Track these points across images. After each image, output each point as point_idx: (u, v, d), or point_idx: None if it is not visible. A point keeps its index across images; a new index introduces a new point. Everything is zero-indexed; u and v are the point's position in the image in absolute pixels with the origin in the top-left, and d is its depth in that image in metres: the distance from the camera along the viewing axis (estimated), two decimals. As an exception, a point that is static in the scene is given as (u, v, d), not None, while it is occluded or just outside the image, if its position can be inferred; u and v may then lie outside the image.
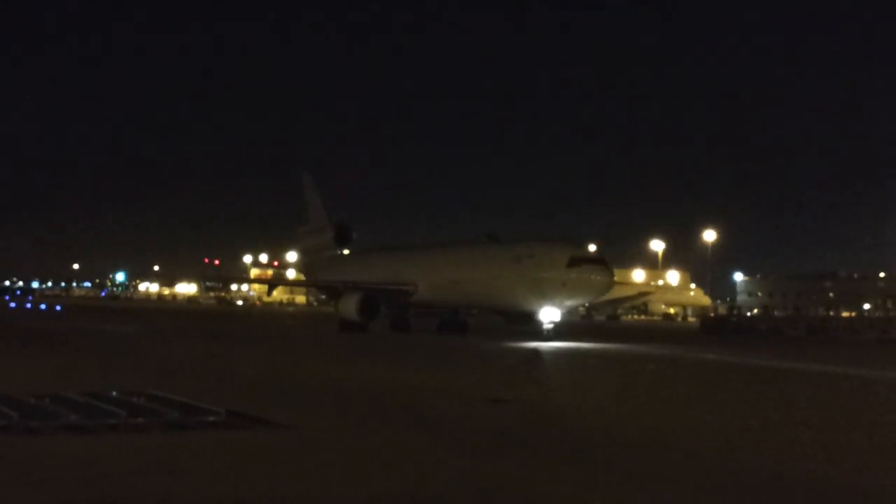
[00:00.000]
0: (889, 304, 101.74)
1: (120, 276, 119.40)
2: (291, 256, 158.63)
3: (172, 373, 27.96)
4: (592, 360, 38.64)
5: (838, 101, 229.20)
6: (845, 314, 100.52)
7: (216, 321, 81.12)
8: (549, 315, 50.20)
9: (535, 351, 41.59)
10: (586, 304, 74.25)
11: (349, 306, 56.81)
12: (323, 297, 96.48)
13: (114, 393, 19.61)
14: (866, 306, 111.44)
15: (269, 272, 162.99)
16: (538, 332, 50.33)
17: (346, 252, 73.66)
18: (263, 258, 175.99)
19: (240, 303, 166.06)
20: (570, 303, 51.86)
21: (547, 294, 49.70)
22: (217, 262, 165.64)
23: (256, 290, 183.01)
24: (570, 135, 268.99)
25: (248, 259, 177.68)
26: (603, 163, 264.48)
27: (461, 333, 58.46)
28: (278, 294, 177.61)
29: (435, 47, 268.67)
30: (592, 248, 60.73)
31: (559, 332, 50.68)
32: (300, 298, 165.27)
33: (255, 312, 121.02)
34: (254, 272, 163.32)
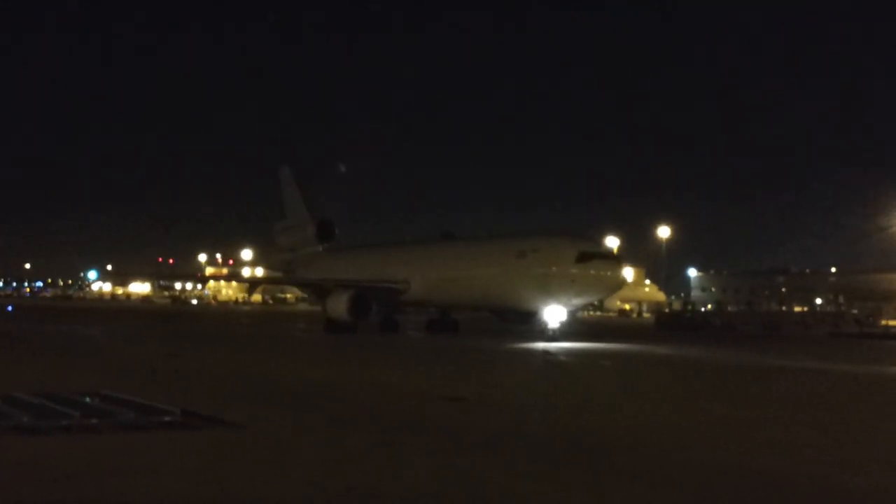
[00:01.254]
0: (840, 300, 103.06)
1: (92, 275, 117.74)
2: (246, 254, 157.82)
3: (127, 373, 27.69)
4: (631, 363, 35.96)
5: (791, 99, 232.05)
6: (797, 309, 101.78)
7: (172, 320, 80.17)
8: (554, 314, 47.41)
9: (550, 353, 39.16)
10: (595, 303, 71.66)
11: (338, 305, 53.88)
12: (305, 296, 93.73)
13: (67, 394, 19.39)
14: (818, 301, 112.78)
15: (224, 270, 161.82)
16: (541, 332, 47.97)
17: (326, 248, 70.99)
18: (218, 257, 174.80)
19: (194, 302, 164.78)
20: (578, 301, 48.83)
21: (554, 292, 46.84)
22: (171, 261, 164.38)
23: (211, 288, 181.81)
24: (523, 132, 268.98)
25: (202, 258, 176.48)
26: (558, 159, 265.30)
27: (452, 333, 56.60)
28: (234, 293, 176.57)
29: (433, 47, 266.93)
30: (612, 242, 59.53)
31: (564, 332, 47.77)
32: (256, 297, 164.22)
33: (211, 311, 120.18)
34: (208, 271, 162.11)
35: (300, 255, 71.69)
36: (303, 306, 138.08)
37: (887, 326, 71.20)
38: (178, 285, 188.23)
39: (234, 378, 27.03)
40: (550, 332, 46.88)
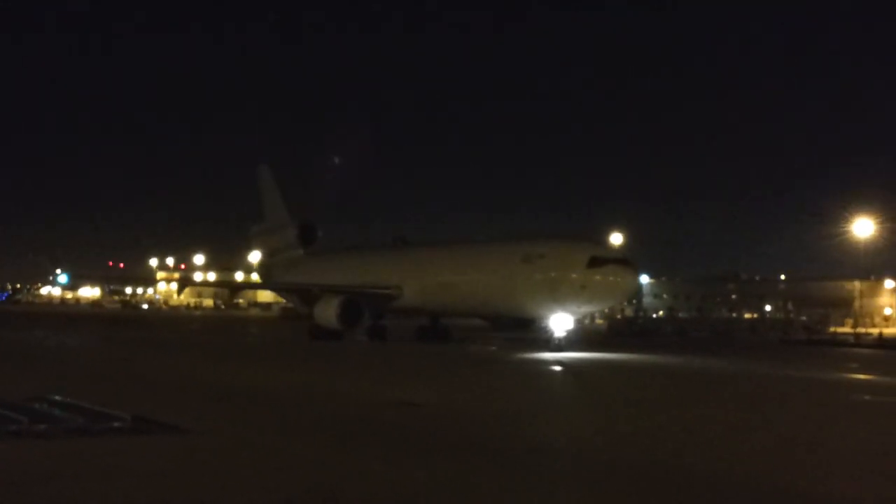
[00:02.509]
0: (789, 306, 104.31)
1: (63, 279, 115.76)
2: (199, 259, 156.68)
3: (78, 378, 27.47)
4: (663, 376, 33.18)
5: (742, 107, 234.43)
6: (747, 315, 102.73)
7: (123, 325, 79.02)
8: (560, 322, 44.15)
9: (567, 365, 36.00)
10: (605, 310, 67.91)
11: (327, 312, 50.78)
12: (288, 303, 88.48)
13: (15, 399, 19.20)
14: (768, 308, 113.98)
15: (176, 275, 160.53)
16: (546, 341, 44.60)
17: (308, 252, 67.14)
18: (170, 261, 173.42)
19: (145, 306, 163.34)
20: (588, 308, 46.51)
21: (562, 298, 43.78)
22: (122, 265, 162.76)
23: (162, 293, 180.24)
24: (477, 138, 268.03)
25: (153, 262, 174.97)
26: (512, 165, 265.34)
27: (443, 341, 53.86)
28: (185, 297, 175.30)
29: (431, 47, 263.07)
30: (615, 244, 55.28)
31: (571, 341, 44.44)
32: (207, 301, 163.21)
33: (162, 316, 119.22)
34: (160, 275, 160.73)
35: (280, 258, 68.72)
36: (255, 312, 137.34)
37: (835, 333, 72.15)
38: (128, 290, 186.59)
39: (190, 384, 26.92)
40: (556, 342, 43.75)
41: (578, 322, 51.32)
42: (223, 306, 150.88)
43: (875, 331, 74.22)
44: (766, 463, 14.94)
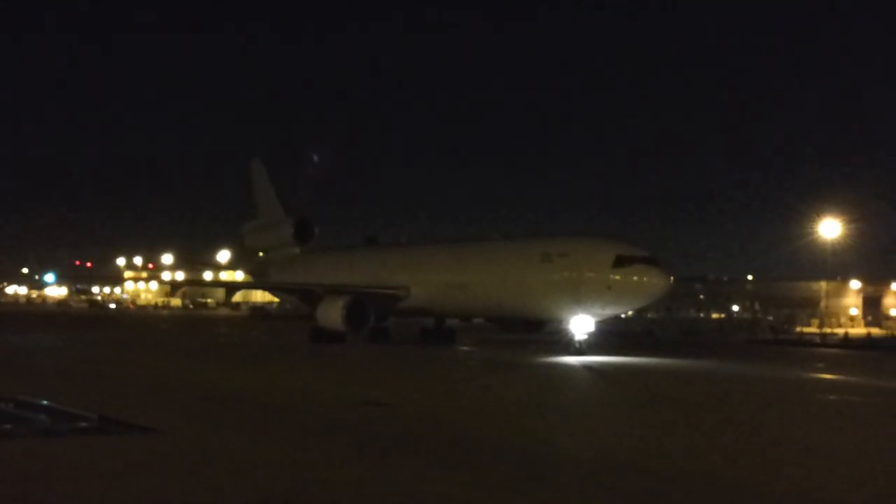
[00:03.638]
0: (756, 307, 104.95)
1: (49, 278, 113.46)
2: (167, 259, 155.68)
3: (45, 378, 27.30)
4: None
5: (709, 109, 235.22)
6: (715, 316, 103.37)
7: (91, 325, 78.25)
8: (581, 324, 41.86)
9: (599, 371, 34.40)
10: (629, 312, 63.58)
11: (331, 313, 48.05)
12: (285, 303, 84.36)
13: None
14: (735, 308, 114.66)
15: (144, 274, 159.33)
16: (562, 344, 42.49)
17: (304, 250, 64.11)
18: (138, 260, 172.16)
19: (112, 306, 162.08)
20: (613, 310, 43.40)
21: (585, 300, 41.35)
22: (89, 264, 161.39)
23: (129, 292, 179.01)
24: (427, 142, 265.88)
25: (121, 261, 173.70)
26: (479, 166, 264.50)
27: (448, 344, 51.61)
28: (153, 297, 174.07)
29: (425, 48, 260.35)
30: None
31: (592, 344, 42.26)
32: (175, 301, 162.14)
33: (131, 316, 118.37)
34: (127, 274, 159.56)
35: (275, 256, 65.87)
36: (224, 311, 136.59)
37: (801, 333, 72.70)
38: (95, 289, 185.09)
39: (152, 384, 26.77)
40: (577, 345, 41.52)
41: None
42: (191, 306, 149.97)
43: (841, 331, 74.90)
44: (727, 462, 15.09)
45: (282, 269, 63.46)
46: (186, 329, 75.37)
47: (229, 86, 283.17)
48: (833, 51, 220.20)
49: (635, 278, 40.86)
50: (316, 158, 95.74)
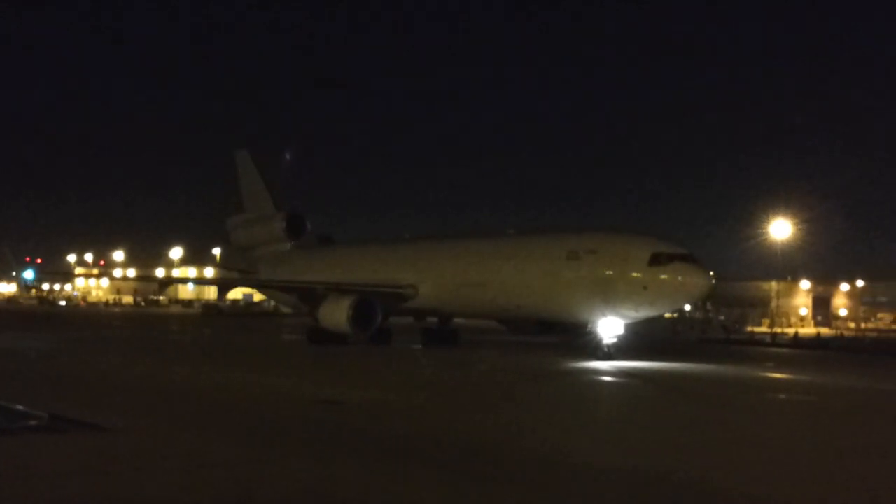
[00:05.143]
0: (708, 306, 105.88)
1: (28, 275, 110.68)
2: (118, 256, 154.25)
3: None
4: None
5: (659, 107, 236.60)
6: (667, 315, 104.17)
7: (41, 322, 77.33)
8: (610, 327, 39.25)
9: (643, 379, 31.45)
10: (667, 314, 59.76)
11: (336, 313, 44.71)
12: (272, 301, 78.50)
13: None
14: (687, 308, 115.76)
15: (96, 271, 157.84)
16: (588, 348, 40.04)
17: (295, 246, 61.05)
18: (88, 257, 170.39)
19: (62, 303, 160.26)
20: (647, 312, 40.07)
21: (617, 301, 38.55)
22: (39, 260, 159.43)
23: (80, 289, 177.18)
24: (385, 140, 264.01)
25: (71, 258, 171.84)
26: (437, 164, 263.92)
27: (453, 346, 48.67)
28: (104, 294, 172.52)
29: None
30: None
31: (621, 347, 39.82)
32: (127, 299, 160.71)
33: (82, 313, 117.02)
34: (78, 271, 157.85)
35: (265, 253, 62.18)
36: (177, 309, 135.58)
37: (752, 332, 73.47)
38: (45, 286, 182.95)
39: (107, 382, 26.53)
40: (605, 349, 38.95)
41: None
42: (143, 303, 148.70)
43: (791, 330, 75.85)
44: (676, 459, 15.23)
45: (273, 266, 60.48)
46: (141, 327, 74.36)
47: (197, 76, 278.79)
48: (781, 49, 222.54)
49: (674, 277, 37.94)
50: (289, 156, 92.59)
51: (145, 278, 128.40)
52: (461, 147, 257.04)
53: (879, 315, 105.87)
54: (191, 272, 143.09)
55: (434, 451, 15.40)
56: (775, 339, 63.27)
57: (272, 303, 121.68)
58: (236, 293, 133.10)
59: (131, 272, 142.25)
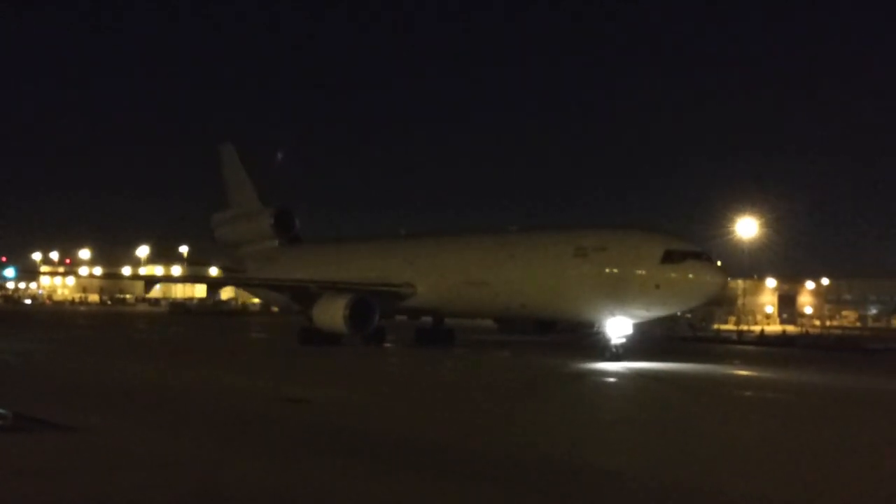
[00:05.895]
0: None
1: (9, 273, 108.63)
2: (84, 254, 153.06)
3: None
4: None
5: (628, 104, 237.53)
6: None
7: (7, 321, 76.44)
8: (618, 327, 38.05)
9: (665, 381, 30.35)
10: (679, 314, 57.20)
11: (331, 313, 43.18)
12: (266, 301, 75.14)
13: None
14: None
15: (61, 269, 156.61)
16: (603, 348, 38.21)
17: (284, 243, 59.15)
18: (54, 255, 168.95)
19: (28, 301, 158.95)
20: (659, 311, 39.06)
21: (628, 299, 37.35)
22: (3, 258, 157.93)
23: (46, 288, 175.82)
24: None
25: (37, 256, 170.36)
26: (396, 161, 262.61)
27: (447, 345, 47.48)
28: (69, 292, 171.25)
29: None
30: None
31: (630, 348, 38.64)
32: (93, 297, 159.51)
33: (48, 311, 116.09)
34: (44, 269, 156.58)
35: (251, 250, 60.32)
36: (143, 307, 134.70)
37: (719, 330, 73.91)
38: (10, 284, 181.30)
39: (74, 381, 26.38)
40: (614, 349, 37.75)
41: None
42: (109, 302, 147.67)
43: (757, 328, 76.33)
44: (643, 457, 15.35)
45: (260, 264, 58.78)
46: (108, 325, 73.64)
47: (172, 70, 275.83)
48: (744, 49, 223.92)
49: (689, 276, 36.62)
50: (280, 155, 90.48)
51: (112, 276, 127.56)
52: (458, 147, 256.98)
53: (844, 313, 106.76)
54: (157, 270, 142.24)
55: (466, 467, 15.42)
56: (742, 337, 63.68)
57: (240, 301, 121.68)
58: (204, 291, 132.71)
59: (97, 270, 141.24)
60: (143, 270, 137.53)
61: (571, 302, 39.76)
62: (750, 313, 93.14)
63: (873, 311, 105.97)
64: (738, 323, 77.67)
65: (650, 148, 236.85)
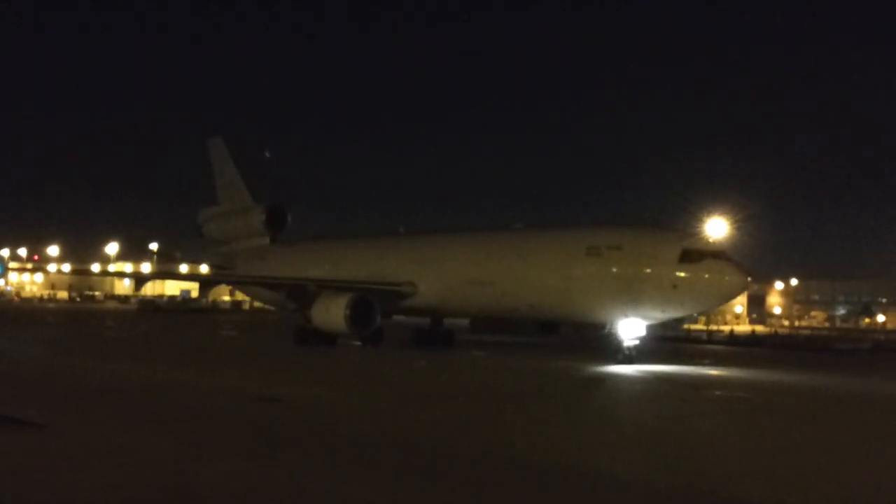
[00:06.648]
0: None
1: None
2: (53, 251, 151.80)
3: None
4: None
5: (596, 105, 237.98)
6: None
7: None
8: (631, 328, 36.75)
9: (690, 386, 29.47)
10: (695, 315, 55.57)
11: (331, 313, 41.48)
12: (254, 299, 72.49)
13: None
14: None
15: (30, 266, 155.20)
16: (615, 350, 37.00)
17: (276, 240, 58.06)
18: (22, 252, 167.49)
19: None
20: (675, 312, 37.97)
21: (644, 300, 35.97)
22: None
23: (14, 284, 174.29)
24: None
25: (5, 252, 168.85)
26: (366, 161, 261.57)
27: (447, 346, 46.05)
28: (38, 289, 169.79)
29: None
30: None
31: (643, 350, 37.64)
32: (62, 294, 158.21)
33: (15, 308, 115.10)
34: (12, 266, 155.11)
35: (242, 247, 58.90)
36: (112, 304, 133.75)
37: (689, 330, 74.25)
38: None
39: (43, 379, 26.16)
40: (626, 352, 36.55)
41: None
42: (78, 299, 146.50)
43: (727, 328, 76.78)
44: (612, 456, 15.38)
45: (251, 262, 56.99)
46: (78, 323, 72.76)
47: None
48: (717, 46, 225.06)
49: (708, 276, 35.42)
50: (268, 153, 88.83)
51: (80, 272, 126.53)
52: (456, 148, 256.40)
53: (812, 313, 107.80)
54: (127, 267, 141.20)
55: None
56: (711, 337, 63.99)
57: (210, 298, 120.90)
58: (174, 288, 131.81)
59: (66, 267, 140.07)
60: (112, 268, 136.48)
61: (583, 302, 38.27)
62: (719, 313, 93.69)
63: (841, 311, 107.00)
64: (707, 323, 78.05)
65: (619, 146, 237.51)
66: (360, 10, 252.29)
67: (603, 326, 38.82)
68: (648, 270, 35.85)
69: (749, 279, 37.08)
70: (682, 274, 35.22)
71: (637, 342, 36.89)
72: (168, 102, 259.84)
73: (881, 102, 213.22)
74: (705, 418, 21.87)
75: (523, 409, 22.12)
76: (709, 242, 36.80)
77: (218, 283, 68.08)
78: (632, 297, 36.07)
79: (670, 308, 36.59)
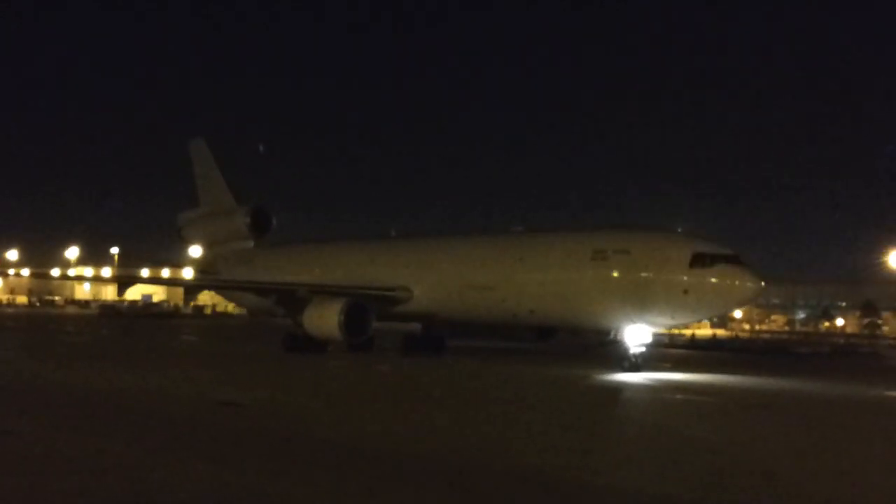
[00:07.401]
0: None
1: None
2: (11, 255, 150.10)
3: None
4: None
5: (571, 108, 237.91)
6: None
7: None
8: (637, 335, 35.70)
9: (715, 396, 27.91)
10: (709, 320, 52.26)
11: (324, 319, 40.28)
12: (239, 305, 69.81)
13: None
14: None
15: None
16: (620, 358, 35.92)
17: (260, 244, 56.99)
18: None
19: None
20: (686, 318, 37.14)
21: (653, 306, 34.82)
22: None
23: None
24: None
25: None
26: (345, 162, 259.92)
27: (438, 353, 44.46)
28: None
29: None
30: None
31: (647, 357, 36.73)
32: (21, 298, 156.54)
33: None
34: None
35: (225, 251, 57.57)
36: (72, 309, 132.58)
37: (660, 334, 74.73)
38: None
39: (13, 384, 25.99)
40: (633, 359, 35.42)
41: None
42: (38, 304, 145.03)
43: (688, 332, 77.28)
44: (570, 459, 15.57)
45: (235, 266, 55.65)
46: (39, 328, 72.05)
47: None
48: (718, 46, 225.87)
49: (720, 281, 34.13)
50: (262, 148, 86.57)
51: (42, 275, 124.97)
52: (453, 147, 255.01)
53: (773, 317, 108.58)
54: (87, 272, 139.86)
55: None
56: (672, 341, 64.30)
57: (172, 303, 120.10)
58: (134, 293, 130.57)
59: (25, 272, 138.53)
60: (72, 272, 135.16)
61: (588, 308, 37.12)
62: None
63: (801, 315, 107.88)
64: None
65: (595, 147, 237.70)
66: (359, 10, 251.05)
67: (608, 332, 38.14)
68: (658, 275, 34.76)
69: (763, 284, 35.55)
70: (694, 279, 34.11)
71: (643, 349, 36.01)
72: (147, 104, 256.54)
73: (839, 104, 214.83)
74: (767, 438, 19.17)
75: (535, 413, 22.16)
76: (721, 246, 35.46)
77: (202, 288, 67.51)
78: (640, 302, 35.07)
79: (681, 314, 35.80)
